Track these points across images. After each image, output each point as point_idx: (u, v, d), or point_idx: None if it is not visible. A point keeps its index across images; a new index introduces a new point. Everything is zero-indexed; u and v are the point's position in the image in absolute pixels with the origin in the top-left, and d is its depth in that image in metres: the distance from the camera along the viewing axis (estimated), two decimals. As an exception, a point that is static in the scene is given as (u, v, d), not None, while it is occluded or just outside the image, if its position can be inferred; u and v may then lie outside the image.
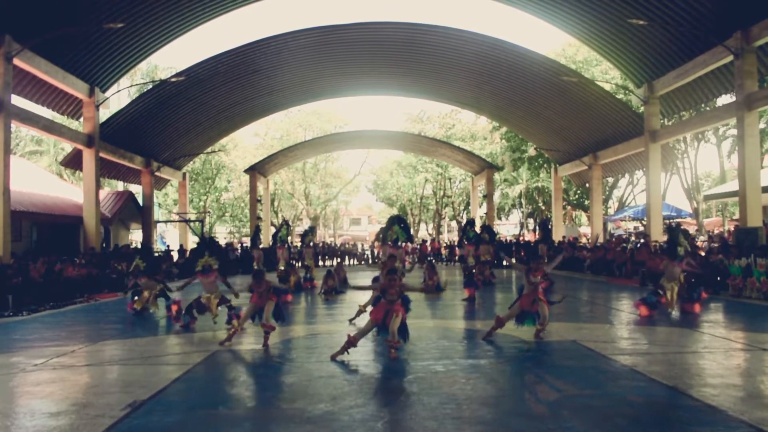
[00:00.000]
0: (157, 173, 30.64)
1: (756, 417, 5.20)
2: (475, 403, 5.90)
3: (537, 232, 21.32)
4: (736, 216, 26.70)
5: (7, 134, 17.55)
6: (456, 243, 32.75)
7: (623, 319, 11.50)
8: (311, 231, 21.61)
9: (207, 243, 12.41)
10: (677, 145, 34.57)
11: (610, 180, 40.06)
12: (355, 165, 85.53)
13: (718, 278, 15.71)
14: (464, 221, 30.11)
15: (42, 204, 23.36)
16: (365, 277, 23.65)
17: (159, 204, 43.49)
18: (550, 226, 28.33)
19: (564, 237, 31.92)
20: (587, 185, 33.81)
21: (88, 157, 23.11)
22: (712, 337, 9.20)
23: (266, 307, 9.06)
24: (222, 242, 39.21)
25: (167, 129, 29.20)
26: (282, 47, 25.40)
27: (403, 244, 15.33)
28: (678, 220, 33.21)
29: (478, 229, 20.10)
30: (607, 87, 28.72)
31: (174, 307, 11.88)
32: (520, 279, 21.90)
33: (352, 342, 7.94)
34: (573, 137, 30.98)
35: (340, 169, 58.69)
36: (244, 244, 33.88)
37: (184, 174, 35.74)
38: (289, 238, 19.11)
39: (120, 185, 39.37)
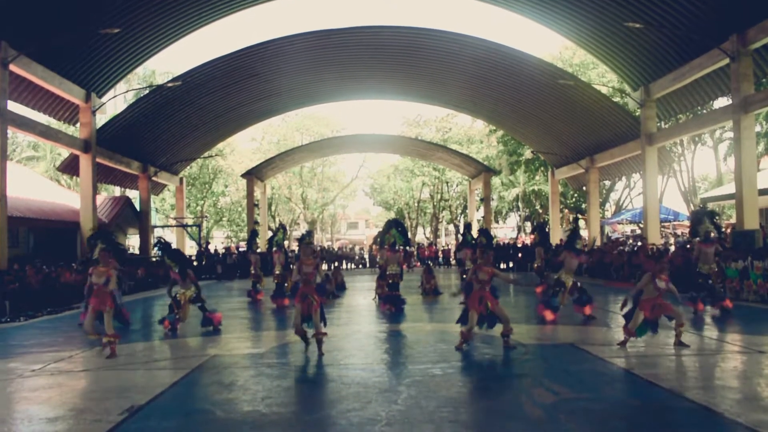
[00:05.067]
0: (154, 178, 30.60)
1: (752, 419, 5.22)
2: (473, 406, 5.90)
3: (534, 235, 21.32)
4: (733, 219, 26.76)
5: (3, 140, 17.54)
6: (455, 247, 32.72)
7: (620, 322, 11.49)
8: (308, 235, 21.55)
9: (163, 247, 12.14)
10: (674, 148, 34.61)
11: (607, 183, 40.08)
12: (352, 169, 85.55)
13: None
14: (461, 225, 30.12)
15: (39, 210, 23.32)
16: (363, 281, 23.68)
17: (156, 209, 43.44)
18: (547, 230, 28.35)
19: (561, 240, 31.94)
20: (584, 188, 33.86)
21: (85, 162, 23.08)
22: (709, 340, 9.22)
23: (105, 316, 8.77)
24: (220, 247, 39.25)
25: (164, 134, 29.18)
26: (279, 51, 25.41)
27: (401, 247, 15.31)
28: (675, 222, 33.31)
29: (474, 233, 20.08)
30: (603, 90, 28.76)
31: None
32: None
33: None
34: (570, 140, 31.03)
35: (338, 173, 58.61)
36: (241, 249, 33.86)
37: (181, 179, 35.70)
38: (286, 242, 19.11)
39: (117, 190, 39.32)
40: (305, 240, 9.73)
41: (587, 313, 11.77)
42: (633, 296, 8.60)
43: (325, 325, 8.70)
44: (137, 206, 31.24)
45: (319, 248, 33.25)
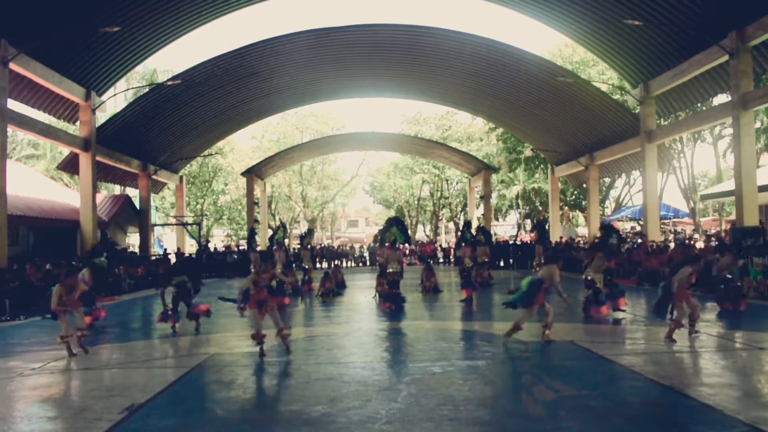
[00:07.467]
0: (154, 176, 30.59)
1: (752, 416, 5.21)
2: (473, 404, 5.90)
3: (534, 233, 21.36)
4: (733, 215, 26.74)
5: (3, 138, 17.53)
6: (454, 245, 32.72)
7: (621, 317, 11.49)
8: (309, 233, 21.59)
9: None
10: (674, 145, 34.59)
11: (607, 180, 40.08)
12: (352, 167, 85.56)
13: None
14: (461, 223, 30.10)
15: (39, 208, 23.30)
16: (363, 279, 23.68)
17: (156, 207, 43.42)
18: (547, 227, 28.33)
19: (561, 237, 31.97)
20: (584, 186, 33.85)
21: (85, 160, 23.07)
22: (709, 337, 9.21)
23: (77, 314, 8.89)
24: (219, 245, 39.23)
25: (164, 132, 29.16)
26: (279, 50, 25.38)
27: (401, 245, 15.32)
28: (675, 220, 33.30)
29: (474, 231, 20.06)
30: (603, 88, 28.73)
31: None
32: (517, 280, 21.78)
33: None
34: (569, 138, 31.01)
35: (337, 172, 58.60)
36: (241, 247, 33.86)
37: (181, 177, 35.68)
38: (287, 240, 19.16)
39: (117, 189, 39.29)
40: (265, 256, 9.43)
41: (598, 313, 11.52)
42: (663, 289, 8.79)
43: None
44: (137, 204, 31.22)
45: (319, 246, 33.20)
